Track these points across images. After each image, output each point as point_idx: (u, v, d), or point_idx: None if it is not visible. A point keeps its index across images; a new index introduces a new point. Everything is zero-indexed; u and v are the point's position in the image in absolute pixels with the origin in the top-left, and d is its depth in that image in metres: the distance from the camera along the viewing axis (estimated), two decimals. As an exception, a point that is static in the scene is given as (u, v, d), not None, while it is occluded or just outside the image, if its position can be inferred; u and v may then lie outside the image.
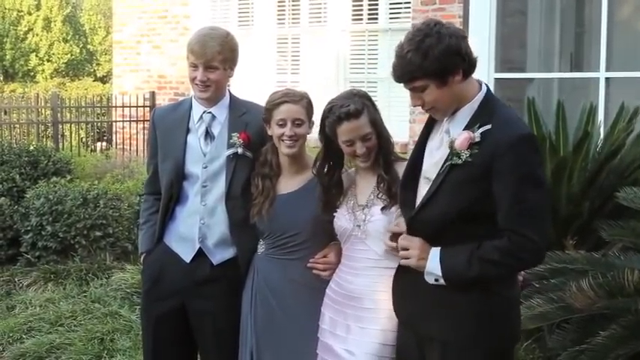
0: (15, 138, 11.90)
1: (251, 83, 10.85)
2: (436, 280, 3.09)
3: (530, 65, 9.72)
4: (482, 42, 8.58)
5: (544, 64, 9.69)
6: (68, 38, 25.44)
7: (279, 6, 11.60)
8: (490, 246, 3.00)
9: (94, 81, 23.87)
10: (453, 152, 3.05)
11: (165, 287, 3.95)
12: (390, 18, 10.55)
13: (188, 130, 3.94)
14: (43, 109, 13.05)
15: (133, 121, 12.52)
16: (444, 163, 3.10)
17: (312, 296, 3.73)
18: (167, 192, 3.95)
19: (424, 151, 3.30)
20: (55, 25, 25.24)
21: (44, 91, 17.93)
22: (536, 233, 2.97)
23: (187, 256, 3.92)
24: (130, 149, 12.45)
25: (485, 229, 3.02)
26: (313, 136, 3.83)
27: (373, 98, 3.71)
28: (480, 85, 3.19)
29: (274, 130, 3.75)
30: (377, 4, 10.66)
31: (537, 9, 9.67)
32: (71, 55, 25.28)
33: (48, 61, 24.82)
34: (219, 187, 3.88)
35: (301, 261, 3.77)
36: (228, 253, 3.90)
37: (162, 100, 12.39)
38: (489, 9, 8.90)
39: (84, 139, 13.59)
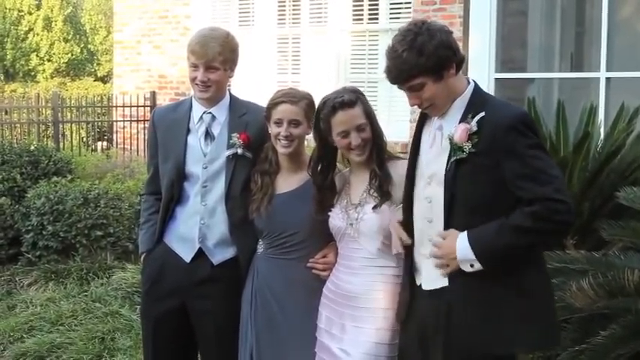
0: (16, 138, 11.90)
1: (252, 83, 10.85)
2: (471, 265, 3.07)
3: (531, 65, 9.72)
4: (482, 42, 8.58)
5: (544, 64, 9.69)
6: (69, 38, 25.44)
7: (279, 6, 11.60)
8: (520, 213, 3.01)
9: (94, 81, 23.86)
10: (455, 147, 3.09)
11: (166, 287, 3.95)
12: (391, 18, 10.54)
13: (188, 131, 3.95)
14: (43, 109, 13.05)
15: (134, 120, 12.52)
16: (448, 160, 3.12)
17: (312, 296, 3.74)
18: (167, 192, 3.95)
19: (419, 152, 3.34)
20: (56, 24, 25.23)
21: (45, 90, 17.93)
22: (562, 194, 3.03)
23: (187, 256, 3.92)
24: (131, 149, 12.44)
25: None
26: (312, 136, 3.84)
27: (373, 98, 3.74)
28: (468, 80, 3.24)
29: (272, 129, 3.78)
30: (377, 5, 10.65)
31: (538, 9, 9.67)
32: (72, 54, 25.27)
33: (48, 60, 24.81)
34: (219, 187, 3.89)
35: (300, 261, 3.78)
36: (229, 253, 3.90)
37: (163, 100, 12.39)
38: (490, 9, 8.90)
39: (84, 139, 13.58)
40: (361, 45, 10.92)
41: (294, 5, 11.47)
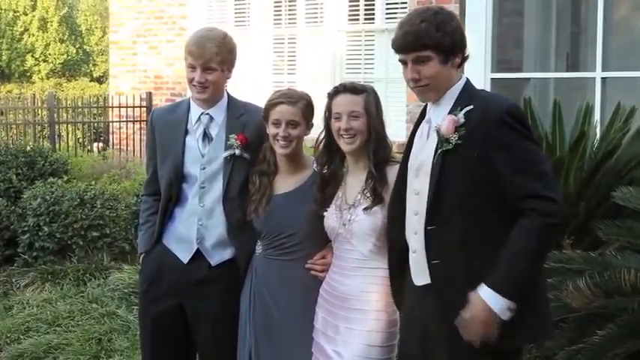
0: (12, 138, 11.89)
1: (248, 83, 10.84)
2: (509, 309, 2.98)
3: (527, 65, 9.73)
4: (478, 42, 8.58)
5: (540, 63, 9.70)
6: (64, 39, 25.42)
7: (275, 6, 11.60)
8: (519, 236, 2.98)
9: (90, 81, 23.86)
10: (442, 139, 3.09)
11: (163, 288, 3.96)
12: (387, 18, 10.54)
13: (186, 132, 3.95)
14: (39, 110, 13.04)
15: (130, 121, 12.50)
16: (435, 152, 3.13)
17: (310, 296, 3.74)
18: (166, 193, 3.95)
19: (411, 146, 3.36)
20: (52, 25, 25.22)
21: (41, 91, 17.92)
22: (552, 191, 3.03)
23: (185, 256, 3.92)
24: (127, 149, 12.42)
25: (497, 216, 3.06)
26: (311, 136, 3.84)
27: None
28: (461, 76, 3.25)
29: (270, 130, 3.78)
30: (373, 5, 10.66)
31: (533, 9, 9.68)
32: (67, 55, 25.26)
33: (44, 61, 24.80)
34: (217, 188, 3.89)
35: (298, 262, 3.78)
36: (227, 254, 3.90)
37: (159, 101, 12.38)
38: (485, 9, 8.90)
39: (81, 140, 13.57)
40: (357, 45, 10.92)
41: (290, 5, 11.46)
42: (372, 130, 3.58)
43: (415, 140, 3.33)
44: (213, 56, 3.81)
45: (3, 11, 24.97)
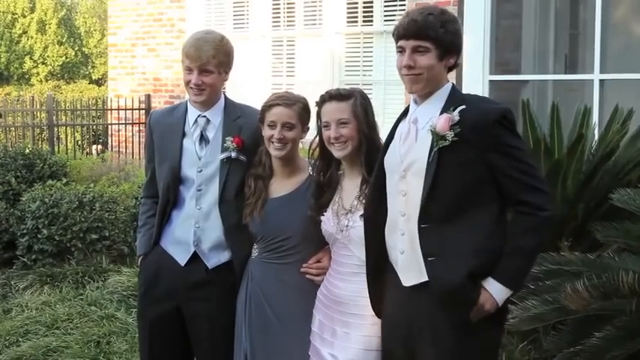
0: (10, 141, 11.90)
1: (246, 86, 10.86)
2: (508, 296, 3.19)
3: (525, 67, 9.74)
4: (476, 44, 8.58)
5: (538, 66, 9.71)
6: (63, 41, 25.43)
7: (274, 8, 11.61)
8: (517, 233, 3.14)
9: (89, 84, 23.87)
10: (438, 137, 3.13)
11: (161, 290, 3.96)
12: (385, 20, 10.56)
13: (184, 134, 3.95)
14: (38, 112, 13.05)
15: (129, 123, 12.52)
16: (431, 151, 3.15)
17: (306, 300, 3.74)
18: (164, 195, 3.96)
19: (388, 147, 3.39)
20: (50, 27, 25.23)
21: (40, 94, 17.92)
22: (545, 185, 3.21)
23: (182, 259, 3.92)
24: (126, 152, 12.44)
25: (490, 212, 3.16)
26: (308, 138, 3.84)
27: (368, 100, 3.72)
28: (448, 80, 3.33)
29: (265, 132, 3.78)
30: (372, 7, 10.67)
31: (532, 11, 9.69)
32: (66, 57, 25.27)
33: (43, 63, 24.81)
34: (214, 191, 3.89)
35: (294, 265, 3.78)
36: (223, 256, 3.90)
37: (158, 103, 12.40)
38: (484, 11, 8.90)
39: (79, 142, 13.58)
40: (356, 47, 10.93)
41: (288, 8, 11.47)
42: (362, 135, 3.57)
43: (396, 142, 3.34)
44: (210, 59, 3.81)
45: (1, 13, 25.00)
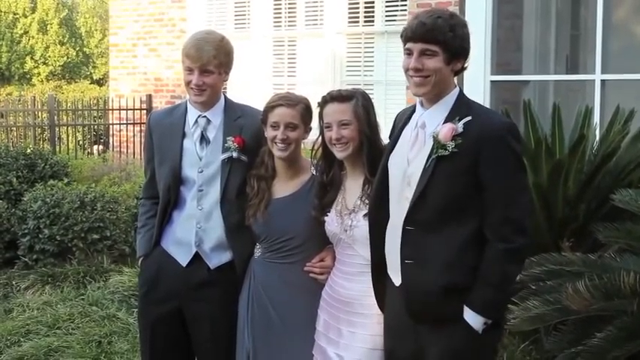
0: (12, 141, 11.91)
1: (248, 86, 10.87)
2: (485, 323, 3.16)
3: (526, 68, 9.74)
4: (478, 45, 8.59)
5: (540, 66, 9.71)
6: (64, 41, 25.44)
7: (275, 8, 11.62)
8: (493, 267, 3.12)
9: (90, 84, 23.87)
10: (439, 145, 3.14)
11: (162, 291, 3.95)
12: (386, 20, 10.57)
13: (184, 135, 3.94)
14: (39, 112, 13.07)
15: (130, 123, 12.53)
16: (429, 157, 3.16)
17: (309, 299, 3.74)
18: (164, 196, 3.95)
19: (393, 150, 3.39)
20: (52, 27, 25.24)
21: (41, 94, 17.93)
22: (522, 217, 3.15)
23: (184, 260, 3.92)
24: (127, 152, 12.45)
25: (473, 224, 3.15)
26: (310, 139, 3.84)
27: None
28: (455, 85, 3.31)
29: (268, 132, 3.77)
30: (373, 7, 10.68)
31: (533, 12, 9.70)
32: (67, 57, 25.28)
33: (44, 63, 24.82)
34: (215, 191, 3.88)
35: (297, 265, 3.78)
36: (225, 257, 3.90)
37: (159, 103, 12.40)
38: (485, 12, 8.92)
39: (81, 142, 13.59)
40: (357, 47, 10.94)
41: (289, 8, 11.48)
42: (363, 135, 3.57)
43: (403, 146, 3.34)
44: (211, 59, 3.81)
45: (3, 13, 25.00)
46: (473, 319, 3.13)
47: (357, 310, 3.56)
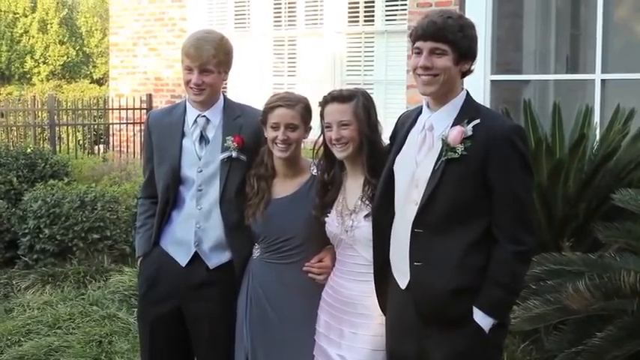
0: (12, 141, 11.91)
1: (248, 85, 10.87)
2: (493, 324, 3.18)
3: (526, 67, 9.74)
4: (478, 44, 8.58)
5: (540, 65, 9.71)
6: (64, 40, 25.44)
7: (275, 8, 11.62)
8: (502, 270, 3.14)
9: (90, 83, 23.87)
10: (448, 148, 3.14)
11: (162, 290, 3.95)
12: (387, 20, 10.58)
13: (183, 134, 3.94)
14: (39, 112, 13.06)
15: (130, 123, 12.54)
16: (438, 159, 3.16)
17: (307, 300, 3.74)
18: (163, 196, 3.95)
19: (400, 152, 3.39)
20: (52, 27, 25.24)
21: (41, 93, 17.93)
22: (529, 219, 3.20)
23: (183, 259, 3.92)
24: (127, 151, 12.45)
25: (480, 231, 3.16)
26: (310, 138, 3.84)
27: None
28: (462, 87, 3.32)
29: (268, 133, 3.77)
30: (373, 6, 10.68)
31: (533, 11, 9.69)
32: (67, 57, 25.27)
33: (44, 63, 24.82)
34: (214, 190, 3.88)
35: (296, 265, 3.77)
36: (224, 256, 3.90)
37: (159, 103, 12.41)
38: (485, 11, 8.92)
39: (81, 142, 13.59)
40: (357, 47, 10.94)
41: (289, 7, 11.49)
42: (363, 136, 3.57)
43: (411, 149, 3.33)
44: (211, 58, 3.80)
45: (3, 13, 25.00)
46: (482, 319, 3.14)
47: (358, 311, 3.56)
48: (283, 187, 3.83)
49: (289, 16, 11.53)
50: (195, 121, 3.94)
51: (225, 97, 4.03)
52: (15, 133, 12.61)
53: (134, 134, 12.42)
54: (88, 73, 25.92)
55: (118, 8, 13.46)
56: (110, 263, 7.73)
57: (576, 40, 9.70)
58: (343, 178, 3.71)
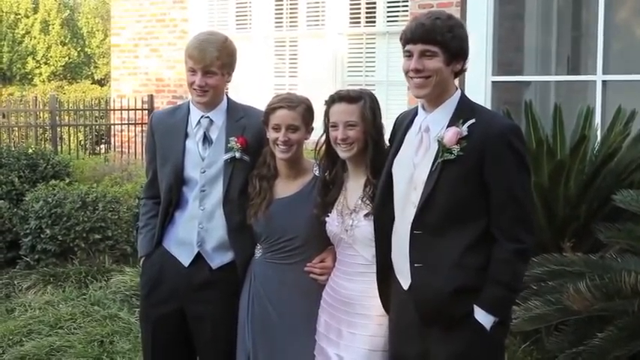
0: (14, 141, 11.92)
1: (249, 86, 10.88)
2: (494, 321, 3.19)
3: (528, 68, 9.74)
4: (479, 45, 8.60)
5: (541, 67, 9.72)
6: (66, 41, 25.45)
7: (276, 9, 11.63)
8: (501, 268, 3.14)
9: (92, 84, 23.87)
10: (444, 149, 3.15)
11: (164, 291, 3.95)
12: (388, 21, 10.59)
13: (186, 135, 3.95)
14: (41, 113, 13.08)
15: (132, 124, 12.55)
16: (434, 161, 3.17)
17: (309, 300, 3.75)
18: (166, 196, 3.95)
19: (397, 154, 3.39)
20: (53, 28, 25.25)
21: (42, 94, 17.94)
22: (529, 217, 3.20)
23: (186, 260, 3.92)
24: (129, 152, 12.46)
25: (479, 230, 3.17)
26: (312, 139, 3.85)
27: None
28: (456, 87, 3.32)
29: (270, 134, 3.78)
30: (374, 8, 10.69)
31: (534, 12, 9.70)
32: (69, 58, 25.29)
33: (45, 64, 24.83)
34: (218, 191, 3.89)
35: (298, 265, 3.78)
36: (227, 257, 3.90)
37: (161, 104, 12.42)
38: (486, 12, 8.92)
39: (82, 142, 13.60)
40: (358, 48, 10.95)
41: (291, 8, 11.50)
42: (369, 137, 3.58)
43: (408, 151, 3.34)
44: (214, 60, 3.81)
45: (4, 14, 25.01)
46: (484, 318, 3.15)
47: (357, 311, 3.57)
48: (285, 188, 3.83)
49: (291, 18, 11.54)
50: (199, 122, 3.95)
51: (228, 98, 4.04)
52: (17, 134, 12.62)
53: (135, 135, 12.43)
54: (90, 73, 25.93)
55: (120, 9, 13.47)
56: (111, 263, 7.74)
57: (577, 41, 9.70)
58: (345, 178, 3.72)
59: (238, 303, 3.89)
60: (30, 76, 24.78)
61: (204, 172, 3.90)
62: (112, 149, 13.12)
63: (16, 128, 12.69)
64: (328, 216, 3.68)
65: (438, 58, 3.18)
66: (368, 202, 3.57)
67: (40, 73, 24.65)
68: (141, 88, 12.99)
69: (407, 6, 10.00)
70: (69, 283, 7.28)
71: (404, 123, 3.45)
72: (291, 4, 11.48)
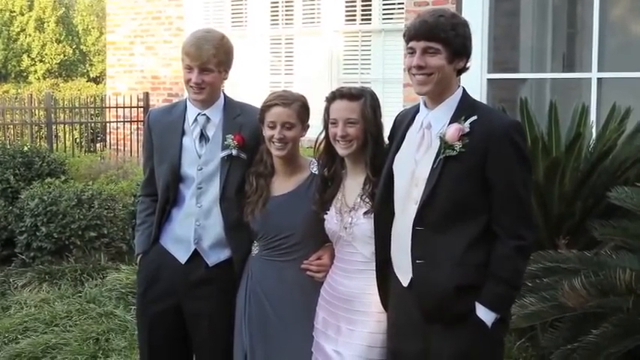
0: (9, 139, 11.88)
1: (245, 84, 10.87)
2: (496, 318, 3.20)
3: (523, 66, 9.75)
4: (474, 43, 8.47)
5: (536, 64, 9.72)
6: (61, 39, 25.39)
7: (272, 7, 11.63)
8: (503, 265, 3.15)
9: (87, 82, 23.82)
10: (446, 145, 3.15)
11: (161, 288, 3.96)
12: (384, 19, 10.59)
13: (183, 133, 3.95)
14: (36, 110, 13.04)
15: (127, 121, 12.53)
16: (436, 157, 3.18)
17: (306, 297, 3.75)
18: (163, 194, 3.96)
19: (399, 151, 3.40)
20: (48, 25, 25.19)
21: (38, 91, 17.89)
22: (530, 214, 3.22)
23: (183, 257, 3.93)
24: (124, 150, 12.45)
25: (480, 227, 3.18)
26: (308, 137, 3.85)
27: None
28: (458, 85, 3.33)
29: (265, 132, 3.78)
30: (370, 5, 10.70)
31: (530, 10, 9.70)
32: (64, 55, 25.22)
33: (40, 61, 24.76)
34: (214, 188, 3.89)
35: (295, 262, 3.79)
36: (224, 254, 3.91)
37: (156, 101, 12.40)
38: (482, 10, 8.92)
39: (78, 140, 13.57)
40: (354, 45, 10.96)
41: (287, 6, 11.50)
42: (369, 135, 3.58)
43: (410, 148, 3.34)
44: (211, 58, 3.81)
45: (0, 11, 24.94)
46: (485, 315, 3.16)
47: (356, 308, 3.57)
48: (282, 185, 3.84)
49: (286, 15, 11.54)
50: (196, 119, 3.95)
51: (225, 95, 4.04)
52: (12, 132, 12.59)
53: (131, 132, 12.41)
54: (85, 71, 25.86)
55: (115, 7, 13.46)
56: (107, 261, 7.74)
57: (573, 38, 9.71)
58: (343, 176, 3.72)
59: (235, 300, 3.89)
60: (25, 74, 24.72)
61: (201, 170, 3.90)
62: (108, 147, 13.10)
63: (12, 126, 12.66)
64: (327, 213, 3.68)
65: (441, 55, 3.18)
66: (367, 200, 3.57)
67: (36, 71, 24.58)
68: (136, 86, 12.98)
69: (402, 3, 10.00)
70: (64, 280, 7.28)
71: (405, 121, 3.45)
72: (286, 2, 11.49)
